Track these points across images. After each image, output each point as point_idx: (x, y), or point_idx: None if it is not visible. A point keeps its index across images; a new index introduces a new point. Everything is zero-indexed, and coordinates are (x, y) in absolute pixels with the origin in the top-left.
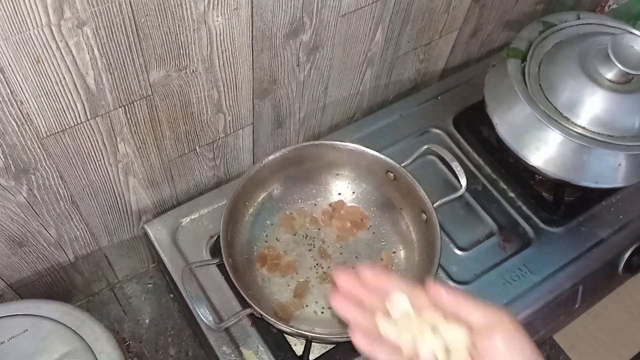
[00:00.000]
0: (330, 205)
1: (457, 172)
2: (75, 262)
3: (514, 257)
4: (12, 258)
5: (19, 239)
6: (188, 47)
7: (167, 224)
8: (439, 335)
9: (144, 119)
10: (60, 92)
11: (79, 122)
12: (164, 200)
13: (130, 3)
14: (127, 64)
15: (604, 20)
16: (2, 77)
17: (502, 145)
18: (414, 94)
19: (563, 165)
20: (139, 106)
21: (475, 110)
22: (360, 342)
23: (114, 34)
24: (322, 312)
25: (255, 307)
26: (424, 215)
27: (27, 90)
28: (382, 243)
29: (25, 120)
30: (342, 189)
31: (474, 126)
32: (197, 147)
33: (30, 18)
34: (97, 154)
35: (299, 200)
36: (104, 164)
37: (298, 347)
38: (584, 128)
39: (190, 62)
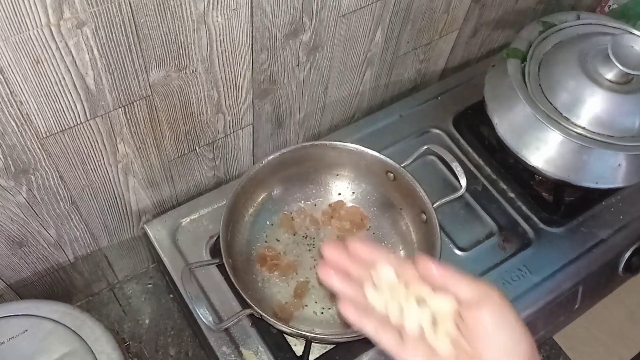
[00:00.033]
0: (330, 205)
1: (457, 173)
2: (75, 262)
3: (514, 257)
4: (11, 258)
5: (18, 240)
6: (188, 47)
7: (167, 224)
8: (425, 307)
9: (143, 120)
10: (60, 92)
11: (79, 122)
12: (164, 200)
13: (129, 3)
14: (127, 64)
15: (604, 20)
16: (1, 77)
17: (502, 145)
18: (413, 94)
19: (563, 166)
20: (138, 106)
21: (475, 110)
22: (348, 312)
23: (114, 35)
24: (322, 313)
25: (255, 307)
26: (423, 216)
27: (26, 90)
28: (382, 243)
29: (25, 121)
30: (342, 189)
31: (474, 126)
32: (197, 148)
33: (29, 18)
34: (96, 154)
35: (299, 201)
36: (104, 164)
37: (298, 348)
38: (584, 128)
39: (190, 62)
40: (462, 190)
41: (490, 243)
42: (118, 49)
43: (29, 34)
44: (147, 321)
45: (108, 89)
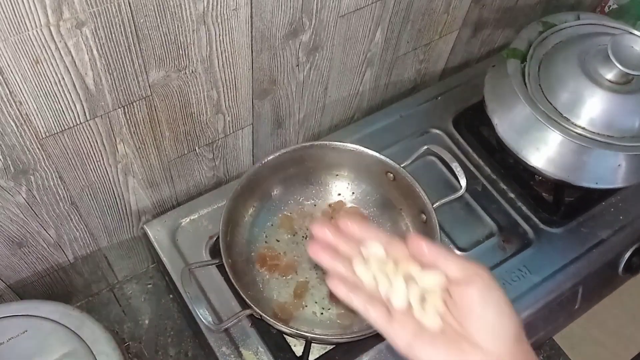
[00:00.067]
0: (329, 205)
1: (456, 173)
2: (75, 262)
3: (514, 257)
4: (11, 259)
5: (18, 240)
6: (187, 47)
7: (166, 224)
8: (414, 283)
9: (143, 120)
10: (60, 92)
11: (78, 122)
12: (164, 200)
13: (129, 4)
14: (126, 65)
15: (604, 20)
16: (1, 77)
17: (502, 145)
18: (413, 95)
19: (563, 166)
20: (138, 107)
21: (475, 110)
22: (337, 288)
23: (113, 35)
24: (322, 313)
25: (254, 307)
26: (423, 216)
27: (26, 90)
28: None
29: (25, 121)
30: (342, 190)
31: (474, 127)
32: (196, 148)
33: (29, 18)
34: (96, 155)
35: (299, 201)
36: (104, 164)
37: (298, 348)
38: (583, 128)
39: (189, 62)
40: (462, 191)
41: (490, 243)
42: (117, 50)
43: (29, 34)
44: (146, 321)
45: (107, 89)
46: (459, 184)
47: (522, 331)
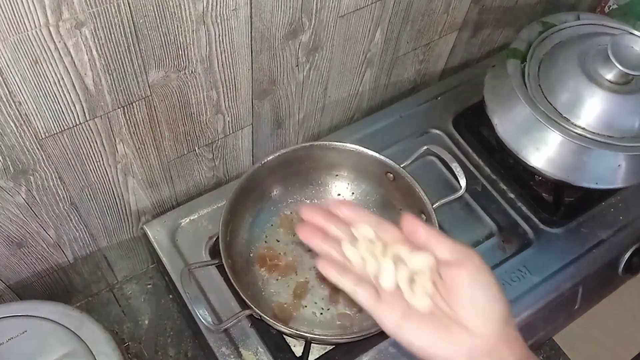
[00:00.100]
0: None
1: (456, 173)
2: (75, 263)
3: (514, 257)
4: (11, 259)
5: (17, 240)
6: (187, 47)
7: (166, 224)
8: (403, 265)
9: (143, 120)
10: (59, 92)
11: (78, 123)
12: (163, 201)
13: (128, 4)
14: (126, 65)
15: (604, 20)
16: (0, 78)
17: (502, 146)
18: (413, 95)
19: (563, 166)
20: (137, 107)
21: (475, 111)
22: (326, 270)
23: (113, 35)
24: (322, 313)
25: (254, 308)
26: (423, 216)
27: (25, 91)
28: None
29: (24, 121)
30: (342, 190)
31: (474, 127)
32: (196, 148)
33: (28, 19)
34: (96, 155)
35: (299, 201)
36: (103, 164)
37: (297, 348)
38: (583, 129)
39: (189, 62)
40: (462, 191)
41: (490, 243)
42: (117, 50)
43: (28, 34)
44: (146, 322)
45: (107, 90)
46: (459, 184)
47: (510, 314)
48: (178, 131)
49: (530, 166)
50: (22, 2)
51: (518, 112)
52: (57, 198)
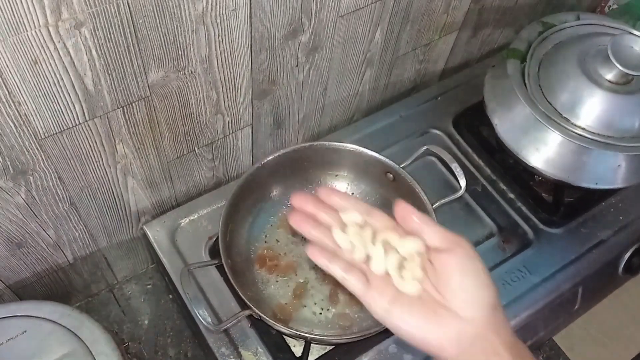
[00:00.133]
0: None
1: (456, 173)
2: (74, 263)
3: (514, 258)
4: (10, 259)
5: (17, 240)
6: (186, 48)
7: (166, 225)
8: (392, 251)
9: (142, 120)
10: (58, 93)
11: (77, 123)
12: (163, 201)
13: (128, 4)
14: (125, 65)
15: (604, 20)
16: None
17: (502, 146)
18: (413, 95)
19: (563, 166)
20: (137, 107)
21: (474, 111)
22: (316, 257)
23: (112, 35)
24: (321, 314)
25: (254, 308)
26: None
27: (24, 91)
28: None
29: (23, 122)
30: (341, 190)
31: (474, 127)
32: (196, 148)
33: (27, 19)
34: (95, 155)
35: None
36: (103, 165)
37: (297, 349)
38: (583, 129)
39: (188, 63)
40: (462, 191)
41: (490, 244)
42: (116, 50)
43: (27, 34)
44: (146, 322)
45: (107, 90)
46: (459, 184)
47: (498, 300)
48: (178, 131)
49: (530, 166)
50: (21, 2)
51: (518, 112)
52: (57, 198)
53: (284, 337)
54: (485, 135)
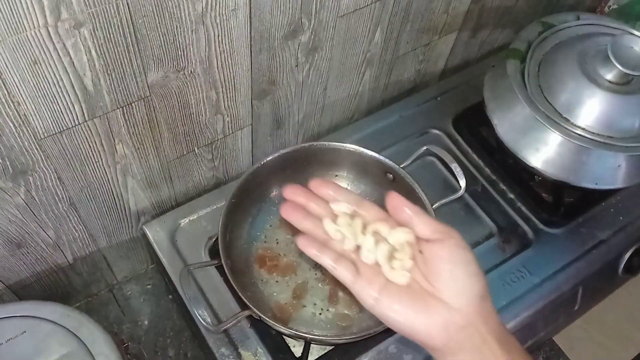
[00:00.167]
0: None
1: (456, 173)
2: (74, 263)
3: (514, 258)
4: (10, 259)
5: (17, 241)
6: (186, 48)
7: (165, 225)
8: (383, 242)
9: (142, 120)
10: (58, 93)
11: (77, 123)
12: (163, 201)
13: (127, 4)
14: (125, 65)
15: (604, 21)
16: None
17: (502, 146)
18: (413, 95)
19: (562, 167)
20: (137, 107)
21: (474, 111)
22: (306, 247)
23: (112, 35)
24: (321, 314)
25: (253, 308)
26: None
27: (24, 91)
28: None
29: (23, 122)
30: None
31: (474, 127)
32: (195, 148)
33: (27, 19)
34: (95, 155)
35: None
36: (102, 165)
37: (297, 349)
38: (583, 129)
39: (188, 63)
40: (462, 191)
41: (489, 244)
42: (116, 50)
43: (27, 34)
44: (146, 322)
45: (106, 90)
46: (459, 184)
47: (487, 290)
48: (177, 131)
49: (530, 166)
50: (20, 2)
51: (518, 113)
52: (56, 198)
53: (284, 337)
54: (485, 135)
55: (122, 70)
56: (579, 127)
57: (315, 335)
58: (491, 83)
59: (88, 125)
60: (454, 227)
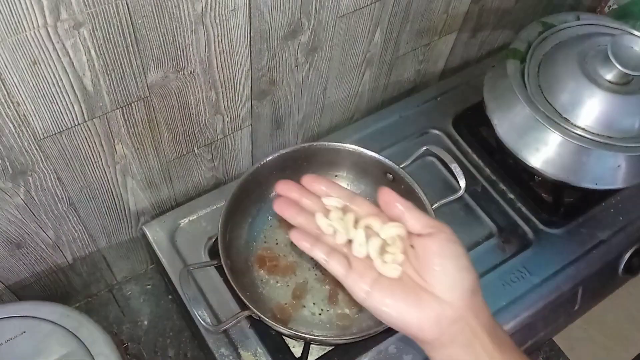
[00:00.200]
0: None
1: (456, 174)
2: (74, 263)
3: (514, 258)
4: (9, 260)
5: (16, 241)
6: (186, 48)
7: (165, 225)
8: (374, 236)
9: (141, 121)
10: (57, 93)
11: (76, 123)
12: (162, 201)
13: (127, 4)
14: (125, 66)
15: (604, 21)
16: None
17: (502, 146)
18: (413, 95)
19: (562, 167)
20: (136, 107)
21: (474, 111)
22: (299, 241)
23: (111, 36)
24: (321, 314)
25: (253, 309)
26: None
27: (23, 91)
28: None
29: (22, 122)
30: None
31: (474, 127)
32: (195, 149)
33: (26, 19)
34: (94, 156)
35: None
36: (102, 165)
37: (297, 349)
38: (583, 129)
39: (188, 63)
40: (462, 192)
41: (489, 244)
42: (115, 50)
43: (26, 35)
44: (145, 322)
45: (106, 90)
46: (459, 184)
47: (478, 285)
48: (177, 132)
49: (530, 167)
50: (20, 2)
51: (518, 113)
52: (56, 199)
53: (284, 337)
54: (485, 135)
55: (121, 71)
56: (578, 127)
57: (315, 335)
58: (491, 83)
59: (87, 126)
60: (452, 227)
